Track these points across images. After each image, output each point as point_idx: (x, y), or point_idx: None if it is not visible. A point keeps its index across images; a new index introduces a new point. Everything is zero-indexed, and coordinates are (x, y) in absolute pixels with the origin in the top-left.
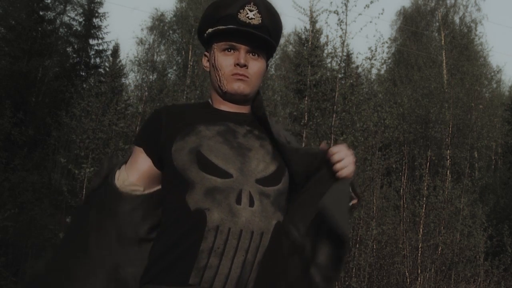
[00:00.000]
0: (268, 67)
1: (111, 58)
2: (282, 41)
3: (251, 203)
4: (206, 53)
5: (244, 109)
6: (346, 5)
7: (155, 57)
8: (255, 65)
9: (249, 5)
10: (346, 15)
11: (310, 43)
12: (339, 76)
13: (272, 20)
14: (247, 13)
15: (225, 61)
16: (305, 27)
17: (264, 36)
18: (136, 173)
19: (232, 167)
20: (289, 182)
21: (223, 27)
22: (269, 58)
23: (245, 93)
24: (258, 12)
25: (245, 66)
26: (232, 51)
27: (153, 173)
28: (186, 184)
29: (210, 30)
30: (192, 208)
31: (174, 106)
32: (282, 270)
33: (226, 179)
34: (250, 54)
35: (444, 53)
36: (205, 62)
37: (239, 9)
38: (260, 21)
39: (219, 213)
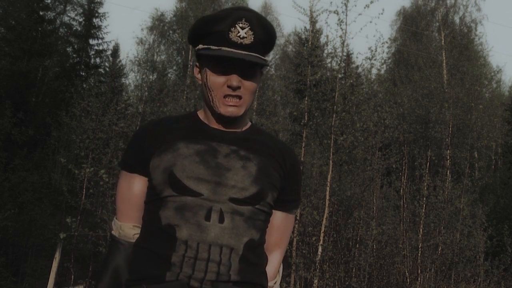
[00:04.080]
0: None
1: (111, 58)
2: (282, 41)
3: (221, 220)
4: (197, 64)
5: (235, 126)
6: (346, 5)
7: (155, 57)
8: (248, 83)
9: (240, 22)
10: (346, 15)
11: (310, 43)
12: (339, 76)
13: (265, 33)
14: (239, 32)
15: (217, 81)
16: (305, 27)
17: (255, 61)
18: (134, 210)
19: (204, 188)
20: (275, 201)
21: (215, 47)
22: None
23: (238, 115)
24: (250, 29)
25: (238, 88)
26: (224, 71)
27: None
28: (160, 201)
29: (200, 46)
30: (163, 223)
31: (161, 121)
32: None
33: (195, 197)
34: (243, 73)
35: (444, 53)
36: (196, 74)
37: (230, 27)
38: (252, 39)
39: (188, 230)
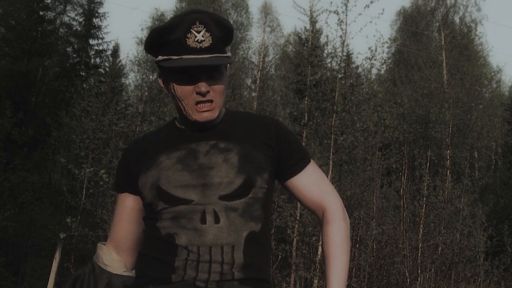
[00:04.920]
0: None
1: (111, 58)
2: (282, 41)
3: (217, 220)
4: (160, 75)
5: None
6: (346, 5)
7: None
8: (216, 86)
9: (195, 26)
10: (346, 15)
11: (310, 43)
12: (339, 76)
13: (222, 30)
14: (196, 36)
15: (185, 90)
16: (305, 27)
17: (218, 63)
18: (123, 231)
19: (192, 193)
20: (270, 181)
21: (175, 57)
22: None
23: (213, 119)
24: (206, 30)
25: (207, 92)
26: (189, 79)
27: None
28: (156, 214)
29: (160, 58)
30: (162, 233)
31: (143, 138)
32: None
33: (187, 204)
34: (209, 76)
35: (444, 53)
36: (161, 84)
37: (185, 33)
38: (211, 40)
39: (186, 236)
